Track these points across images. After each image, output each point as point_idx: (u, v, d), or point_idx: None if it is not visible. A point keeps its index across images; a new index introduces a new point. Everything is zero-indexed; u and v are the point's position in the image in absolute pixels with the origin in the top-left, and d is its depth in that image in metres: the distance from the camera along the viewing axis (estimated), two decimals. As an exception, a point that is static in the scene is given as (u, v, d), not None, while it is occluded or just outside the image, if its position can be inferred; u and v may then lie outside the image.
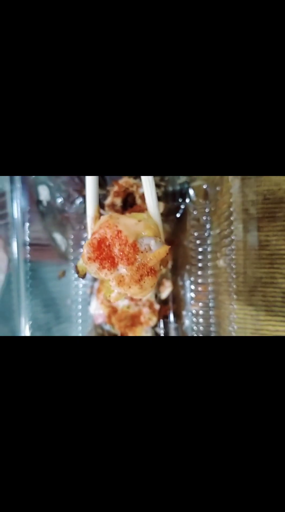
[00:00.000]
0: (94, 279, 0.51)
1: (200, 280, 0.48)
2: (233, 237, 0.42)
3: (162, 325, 0.50)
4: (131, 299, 0.47)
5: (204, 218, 0.48)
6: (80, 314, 0.52)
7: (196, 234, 0.48)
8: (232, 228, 0.42)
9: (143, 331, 0.48)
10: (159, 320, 0.49)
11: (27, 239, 0.48)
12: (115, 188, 0.47)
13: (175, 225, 0.50)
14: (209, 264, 0.47)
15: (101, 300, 0.49)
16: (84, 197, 0.50)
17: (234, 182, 0.42)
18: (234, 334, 0.42)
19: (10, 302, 0.50)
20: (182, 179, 0.49)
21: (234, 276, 0.42)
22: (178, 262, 0.50)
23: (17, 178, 0.47)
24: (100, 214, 0.31)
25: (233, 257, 0.42)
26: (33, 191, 0.50)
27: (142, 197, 0.46)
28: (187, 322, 0.49)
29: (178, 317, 0.50)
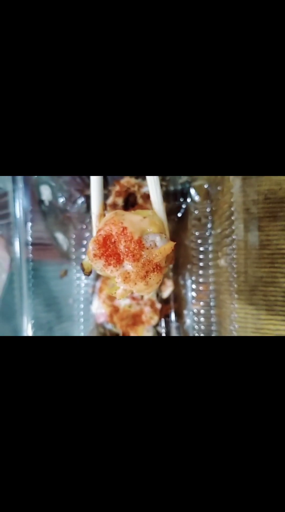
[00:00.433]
0: (97, 278, 0.51)
1: (201, 280, 0.48)
2: (234, 237, 0.42)
3: (163, 324, 0.50)
4: (133, 298, 0.48)
5: (205, 217, 0.48)
6: (82, 313, 0.52)
7: (197, 233, 0.48)
8: (233, 227, 0.42)
9: (144, 330, 0.48)
10: (160, 319, 0.49)
11: (29, 238, 0.48)
12: (117, 188, 0.47)
13: (176, 225, 0.50)
14: (210, 263, 0.48)
15: (103, 299, 0.49)
16: (86, 196, 0.51)
17: (235, 181, 0.42)
18: (235, 333, 0.42)
19: (12, 301, 0.50)
20: (183, 178, 0.49)
21: (235, 275, 0.42)
22: (179, 262, 0.50)
23: (19, 178, 0.47)
24: (105, 212, 0.31)
25: (234, 256, 0.42)
26: (35, 191, 0.51)
27: (143, 196, 0.47)
28: (188, 321, 0.49)
29: (179, 316, 0.50)
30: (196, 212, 0.48)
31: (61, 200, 0.51)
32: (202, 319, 0.48)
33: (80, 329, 0.52)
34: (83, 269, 0.30)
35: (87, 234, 0.52)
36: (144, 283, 0.28)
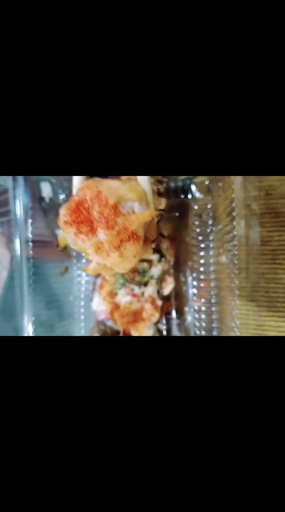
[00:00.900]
0: (97, 276, 0.51)
1: (202, 276, 0.48)
2: (235, 233, 0.41)
3: (164, 321, 0.50)
4: (134, 295, 0.47)
5: (206, 214, 0.48)
6: (82, 310, 0.52)
7: (198, 230, 0.48)
8: (234, 224, 0.42)
9: (145, 327, 0.48)
10: (161, 316, 0.49)
11: (30, 236, 0.48)
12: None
13: (177, 221, 0.50)
14: (211, 260, 0.47)
15: (104, 296, 0.49)
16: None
17: (235, 178, 0.42)
18: (236, 330, 0.42)
19: (13, 299, 0.50)
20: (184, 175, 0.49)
21: (236, 272, 0.42)
22: (180, 258, 0.50)
23: (20, 176, 0.47)
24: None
25: (235, 253, 0.42)
26: (35, 188, 0.51)
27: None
28: (189, 318, 0.49)
29: (180, 313, 0.50)
30: (197, 208, 0.48)
31: (62, 197, 0.51)
32: (203, 316, 0.48)
33: (81, 327, 0.52)
34: (57, 245, 0.28)
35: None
36: (118, 254, 0.25)
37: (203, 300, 0.48)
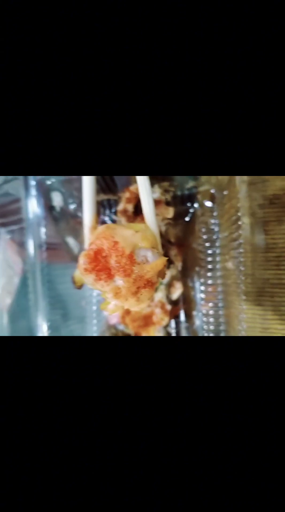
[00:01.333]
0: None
1: (209, 282, 0.50)
2: (241, 240, 0.43)
3: (173, 325, 0.52)
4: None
5: (212, 221, 0.49)
6: (94, 315, 0.54)
7: (204, 237, 0.50)
8: (240, 231, 0.43)
9: (155, 331, 0.50)
10: (170, 320, 0.51)
11: (42, 242, 0.50)
12: (127, 194, 0.49)
13: (184, 228, 0.52)
14: (217, 266, 0.49)
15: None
16: (96, 203, 0.52)
17: (241, 187, 0.44)
18: (243, 333, 0.44)
19: (26, 304, 0.52)
20: (190, 183, 0.50)
21: (242, 277, 0.44)
22: (187, 264, 0.52)
23: (32, 185, 0.49)
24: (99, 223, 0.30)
25: (241, 259, 0.44)
26: (46, 197, 0.52)
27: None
28: (197, 321, 0.51)
29: (189, 317, 0.52)
30: (203, 216, 0.50)
31: (72, 206, 0.53)
32: (211, 319, 0.50)
33: (93, 330, 0.54)
34: (74, 282, 0.30)
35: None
36: (135, 299, 0.28)
37: (210, 304, 0.50)
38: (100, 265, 0.27)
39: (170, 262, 0.51)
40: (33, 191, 0.49)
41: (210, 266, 0.50)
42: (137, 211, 0.49)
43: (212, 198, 0.49)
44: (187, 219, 0.52)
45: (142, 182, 0.30)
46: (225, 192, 0.48)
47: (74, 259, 0.55)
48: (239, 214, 0.44)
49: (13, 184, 0.52)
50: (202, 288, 0.50)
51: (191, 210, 0.51)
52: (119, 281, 0.27)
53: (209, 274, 0.49)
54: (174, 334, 0.52)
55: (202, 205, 0.50)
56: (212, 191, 0.49)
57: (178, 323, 0.52)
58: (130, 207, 0.49)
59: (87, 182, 0.30)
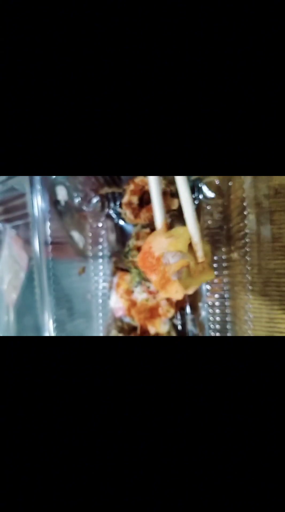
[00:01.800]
0: (114, 274, 0.53)
1: (215, 272, 0.49)
2: (246, 231, 0.43)
3: (179, 316, 0.52)
4: (150, 292, 0.50)
5: (217, 212, 0.49)
6: (100, 308, 0.55)
7: (210, 228, 0.50)
8: (246, 221, 0.43)
9: (161, 323, 0.50)
10: (176, 312, 0.51)
11: (48, 237, 0.50)
12: (132, 186, 0.49)
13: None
14: (223, 257, 0.49)
15: (121, 294, 0.51)
16: (101, 195, 0.52)
17: (246, 177, 0.44)
18: (250, 323, 0.44)
19: (32, 299, 0.52)
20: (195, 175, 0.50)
21: (248, 268, 0.44)
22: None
23: (37, 180, 0.49)
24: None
25: (247, 249, 0.44)
26: (51, 191, 0.53)
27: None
28: (203, 313, 0.51)
29: (195, 308, 0.52)
30: (208, 207, 0.50)
31: (77, 200, 0.53)
32: (217, 310, 0.50)
33: (99, 323, 0.54)
34: None
35: (103, 232, 0.54)
36: (164, 292, 0.36)
37: (216, 295, 0.50)
38: (146, 263, 0.37)
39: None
40: (37, 186, 0.49)
41: (215, 257, 0.49)
42: (142, 203, 0.49)
43: (217, 189, 0.49)
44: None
45: (181, 183, 0.37)
46: (230, 183, 0.47)
47: (79, 253, 0.55)
48: (245, 204, 0.44)
49: (18, 179, 0.52)
50: (208, 279, 0.50)
51: (196, 202, 0.51)
52: (153, 277, 0.36)
53: (215, 265, 0.49)
54: (179, 326, 0.52)
55: (206, 197, 0.50)
56: (217, 182, 0.49)
57: (183, 315, 0.52)
58: (135, 199, 0.49)
59: (154, 183, 0.37)
